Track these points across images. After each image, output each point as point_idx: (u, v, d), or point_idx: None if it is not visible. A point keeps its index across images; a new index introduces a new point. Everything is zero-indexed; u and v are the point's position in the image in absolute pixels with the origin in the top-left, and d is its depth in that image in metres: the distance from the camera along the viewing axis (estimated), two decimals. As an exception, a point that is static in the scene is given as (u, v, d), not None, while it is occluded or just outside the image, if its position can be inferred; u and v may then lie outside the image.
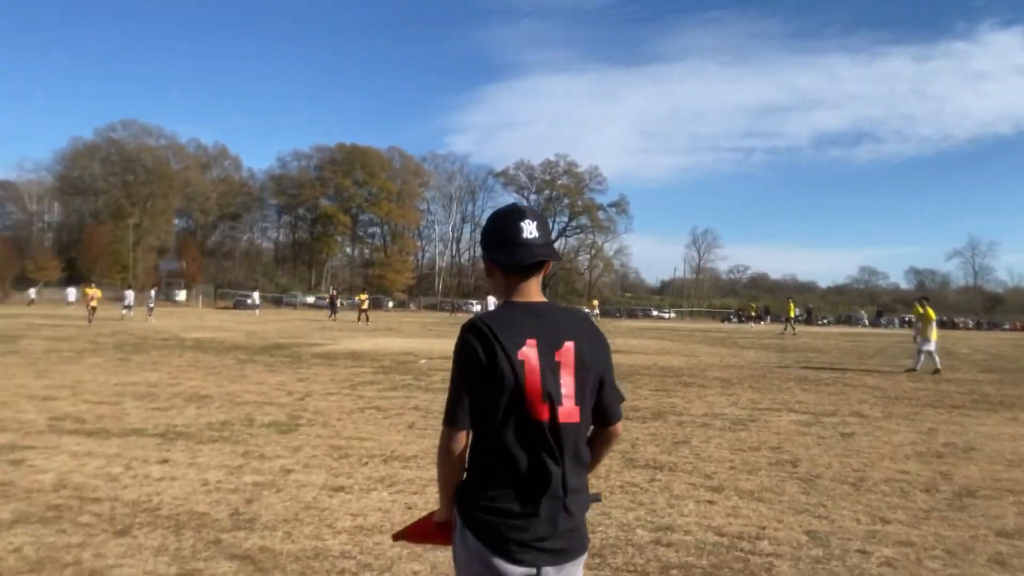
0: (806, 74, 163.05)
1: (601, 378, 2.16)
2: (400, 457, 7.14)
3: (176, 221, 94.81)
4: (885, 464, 7.27)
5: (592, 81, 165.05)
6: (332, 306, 45.17)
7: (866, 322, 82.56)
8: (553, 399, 2.02)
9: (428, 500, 5.68)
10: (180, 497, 5.61)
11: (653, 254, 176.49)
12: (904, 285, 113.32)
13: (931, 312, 17.23)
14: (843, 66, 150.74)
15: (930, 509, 5.68)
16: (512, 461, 2.03)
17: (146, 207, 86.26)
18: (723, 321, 79.29)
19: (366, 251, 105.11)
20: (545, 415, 2.02)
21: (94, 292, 33.27)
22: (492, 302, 47.05)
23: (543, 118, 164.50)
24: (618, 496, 5.92)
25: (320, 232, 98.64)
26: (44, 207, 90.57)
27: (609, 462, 6.99)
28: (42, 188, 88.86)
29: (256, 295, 61.57)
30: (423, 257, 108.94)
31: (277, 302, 79.48)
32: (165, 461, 6.76)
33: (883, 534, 5.04)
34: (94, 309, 32.21)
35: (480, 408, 2.06)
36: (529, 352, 2.02)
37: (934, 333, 17.19)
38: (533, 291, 2.16)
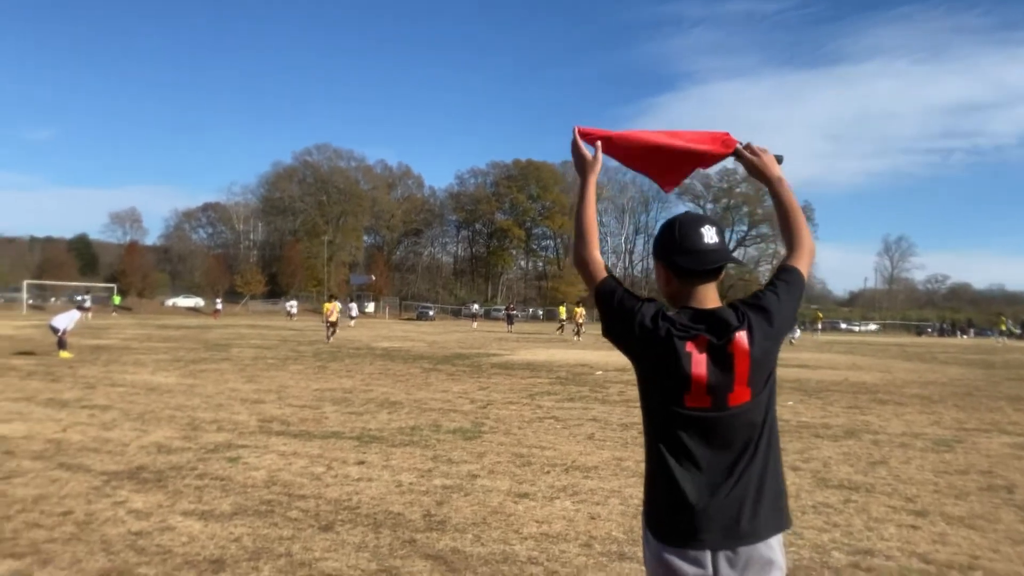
0: (1014, 67, 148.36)
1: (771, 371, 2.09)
2: (581, 467, 7.15)
3: (365, 237, 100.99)
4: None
5: (770, 86, 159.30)
6: (509, 318, 46.20)
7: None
8: (719, 388, 1.99)
9: (611, 511, 5.66)
10: (377, 497, 5.92)
11: (840, 264, 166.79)
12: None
13: None
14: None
15: None
16: (678, 451, 2.02)
17: (338, 225, 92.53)
18: (919, 334, 73.32)
19: (539, 264, 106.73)
20: (710, 403, 2.00)
21: (332, 306, 29.46)
22: None
23: (717, 126, 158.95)
24: (811, 516, 5.61)
25: (496, 246, 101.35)
26: (250, 226, 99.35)
27: (800, 481, 6.66)
28: (248, 209, 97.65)
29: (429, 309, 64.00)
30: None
31: (456, 313, 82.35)
32: (362, 463, 7.17)
33: None
34: (333, 324, 28.77)
35: (650, 393, 2.09)
36: (697, 342, 1.99)
37: None
38: (711, 297, 2.12)
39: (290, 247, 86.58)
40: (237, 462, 7.08)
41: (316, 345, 25.54)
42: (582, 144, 2.38)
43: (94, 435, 8.23)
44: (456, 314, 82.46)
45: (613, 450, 8.05)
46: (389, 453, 7.63)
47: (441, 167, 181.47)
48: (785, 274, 2.18)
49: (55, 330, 18.11)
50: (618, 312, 2.13)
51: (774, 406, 2.08)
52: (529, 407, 11.18)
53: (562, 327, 38.26)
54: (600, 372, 17.43)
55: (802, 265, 2.22)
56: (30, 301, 60.84)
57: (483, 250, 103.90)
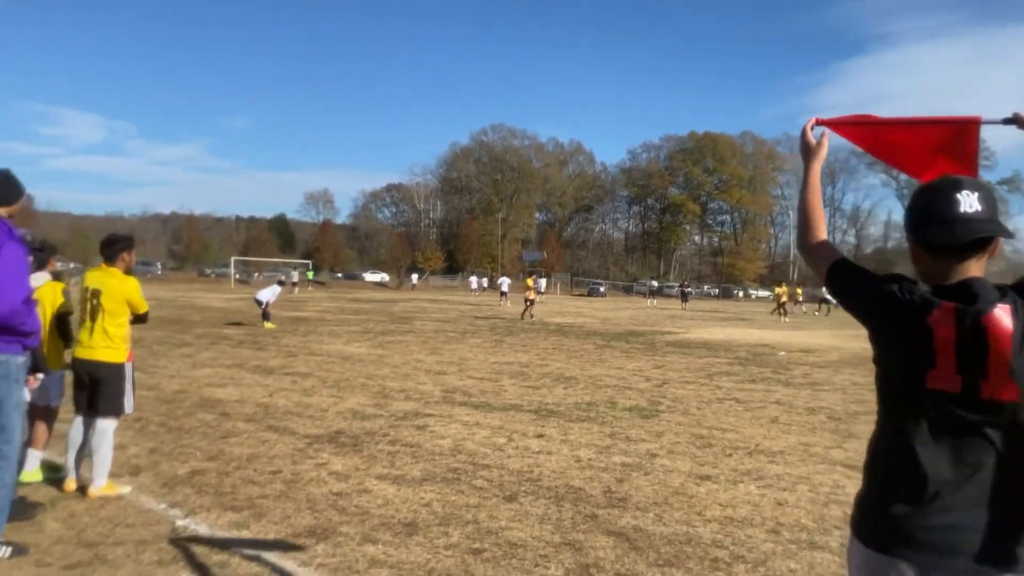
0: None
1: None
2: (765, 451, 6.91)
3: (537, 215, 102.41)
4: None
5: (971, 45, 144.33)
6: (683, 295, 45.32)
7: None
8: (970, 371, 1.71)
9: (800, 497, 5.43)
10: (557, 471, 6.01)
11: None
12: None
13: None
14: None
15: None
16: (913, 441, 1.78)
17: (511, 203, 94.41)
18: None
19: (715, 239, 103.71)
20: (960, 388, 1.72)
21: (533, 284, 29.50)
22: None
23: (914, 89, 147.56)
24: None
25: (668, 221, 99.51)
26: (430, 205, 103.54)
27: None
28: (428, 189, 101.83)
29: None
30: (776, 245, 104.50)
31: (627, 290, 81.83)
32: (541, 436, 7.31)
33: None
34: (532, 302, 28.21)
35: (888, 370, 1.87)
36: (942, 311, 1.73)
37: None
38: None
39: (466, 225, 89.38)
40: (424, 430, 7.43)
41: (492, 320, 26.24)
42: (809, 131, 2.32)
43: (296, 400, 8.91)
44: (627, 291, 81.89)
45: (799, 435, 7.72)
46: (567, 428, 7.73)
47: (613, 143, 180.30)
48: None
49: (259, 303, 19.74)
50: (855, 281, 1.96)
51: None
52: (707, 387, 10.93)
53: (782, 309, 35.99)
54: (783, 353, 16.73)
55: None
56: (237, 276, 66.59)
57: (655, 226, 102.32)
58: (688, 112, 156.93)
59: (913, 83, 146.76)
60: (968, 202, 1.80)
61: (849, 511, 5.07)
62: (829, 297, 40.73)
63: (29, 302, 3.99)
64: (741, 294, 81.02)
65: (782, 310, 34.91)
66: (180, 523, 4.59)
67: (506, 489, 5.48)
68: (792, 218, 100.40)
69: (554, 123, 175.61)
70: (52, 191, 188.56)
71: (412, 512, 4.91)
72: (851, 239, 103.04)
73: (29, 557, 4.01)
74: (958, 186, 1.84)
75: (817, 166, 2.27)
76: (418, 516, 4.83)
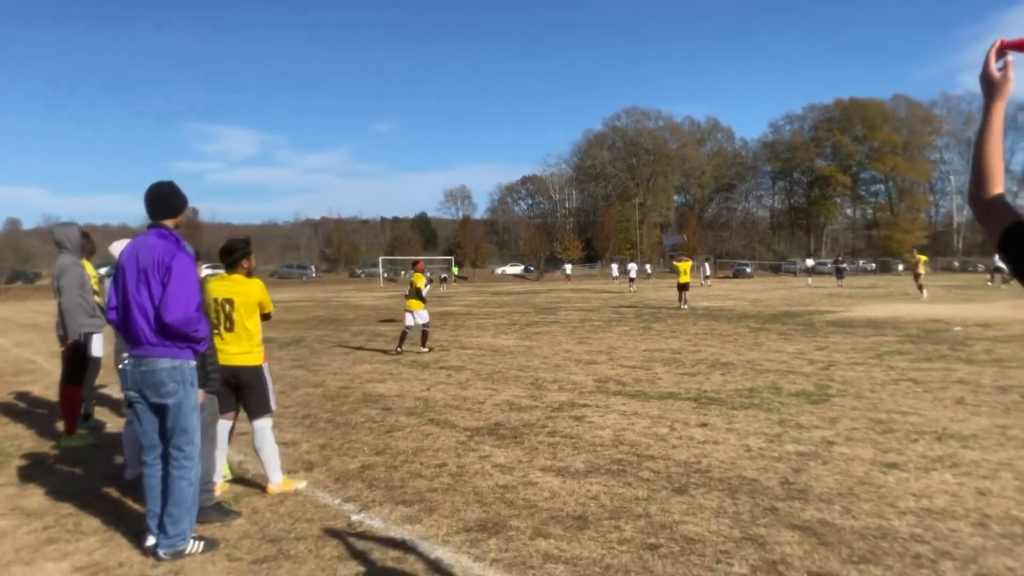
0: None
1: None
2: (956, 435, 6.33)
3: (675, 197, 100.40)
4: None
5: None
6: (838, 272, 42.96)
7: None
8: None
9: (1004, 486, 4.92)
10: (726, 461, 5.74)
11: None
12: None
13: None
14: None
15: None
16: None
17: (648, 186, 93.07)
18: None
19: (868, 211, 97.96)
20: None
21: (686, 266, 25.41)
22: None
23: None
24: None
25: (817, 195, 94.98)
26: (565, 195, 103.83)
27: None
28: (562, 179, 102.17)
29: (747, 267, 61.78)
30: (937, 214, 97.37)
31: (775, 269, 78.71)
32: (704, 425, 7.03)
33: None
34: (685, 287, 24.70)
35: None
36: None
37: None
38: None
39: (603, 212, 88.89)
40: (582, 421, 7.32)
41: (637, 308, 25.82)
42: (992, 60, 1.90)
43: (453, 393, 9.04)
44: (776, 270, 78.79)
45: (992, 416, 7.04)
46: (731, 416, 7.40)
47: (752, 117, 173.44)
48: None
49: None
50: None
51: None
52: (879, 368, 10.21)
53: (994, 277, 34.19)
54: (959, 328, 15.44)
55: None
56: (385, 275, 69.21)
57: (802, 200, 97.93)
58: (832, 78, 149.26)
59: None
60: None
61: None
62: (1003, 265, 37.35)
63: (200, 310, 4.18)
64: (901, 267, 75.98)
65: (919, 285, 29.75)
66: (355, 518, 4.69)
67: (674, 481, 5.27)
68: (953, 183, 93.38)
69: (689, 101, 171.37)
70: (215, 204, 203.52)
71: (580, 505, 4.80)
72: (1021, 202, 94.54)
73: (220, 551, 4.20)
74: None
75: (999, 105, 1.87)
76: (587, 509, 4.72)
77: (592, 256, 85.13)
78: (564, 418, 7.46)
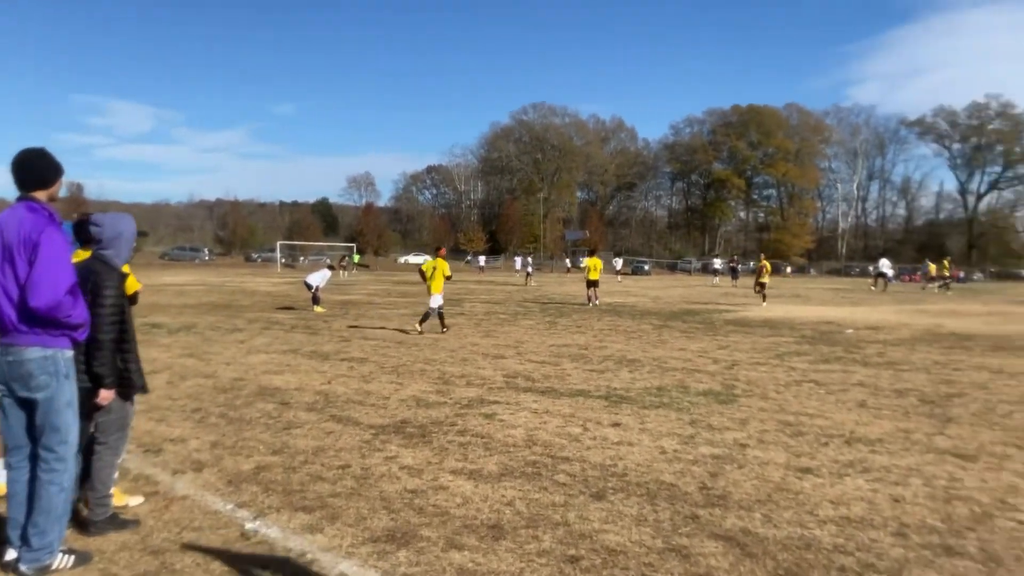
0: None
1: None
2: (863, 439, 6.40)
3: (578, 193, 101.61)
4: None
5: (1020, 8, 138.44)
6: (733, 272, 44.30)
7: None
8: None
9: (916, 493, 4.94)
10: (642, 464, 5.58)
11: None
12: None
13: None
14: None
15: None
16: None
17: (553, 182, 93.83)
18: None
19: (760, 215, 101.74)
20: None
21: (595, 263, 23.97)
22: (885, 264, 41.84)
23: (964, 57, 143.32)
24: None
25: (713, 197, 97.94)
26: (470, 186, 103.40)
27: None
28: (468, 170, 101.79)
29: (618, 262, 63.05)
30: (823, 219, 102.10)
31: (671, 268, 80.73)
32: (617, 424, 6.88)
33: None
34: (594, 284, 23.32)
35: None
36: None
37: None
38: None
39: (508, 205, 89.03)
40: (493, 419, 7.05)
41: (541, 303, 25.81)
42: None
43: (356, 387, 8.60)
44: (672, 268, 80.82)
45: (894, 420, 7.18)
46: (643, 415, 7.29)
47: (655, 118, 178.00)
48: None
49: (309, 287, 19.57)
50: None
51: None
52: (781, 369, 10.38)
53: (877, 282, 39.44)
54: (851, 331, 16.02)
55: None
56: (283, 260, 67.06)
57: (699, 202, 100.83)
58: (732, 85, 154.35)
59: (960, 50, 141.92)
60: None
61: (973, 508, 4.55)
62: (886, 271, 39.94)
63: (75, 292, 3.66)
64: (789, 270, 79.32)
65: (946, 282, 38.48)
66: (249, 526, 4.26)
67: (592, 485, 5.07)
68: (840, 190, 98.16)
69: (595, 100, 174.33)
70: (103, 180, 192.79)
71: (495, 512, 4.52)
72: (901, 211, 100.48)
73: (93, 566, 3.72)
74: None
75: None
76: (502, 517, 4.45)
77: (496, 248, 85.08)
78: (474, 416, 7.17)
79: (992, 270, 77.11)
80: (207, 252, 74.66)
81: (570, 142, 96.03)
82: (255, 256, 75.42)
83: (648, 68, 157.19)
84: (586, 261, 25.27)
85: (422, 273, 14.63)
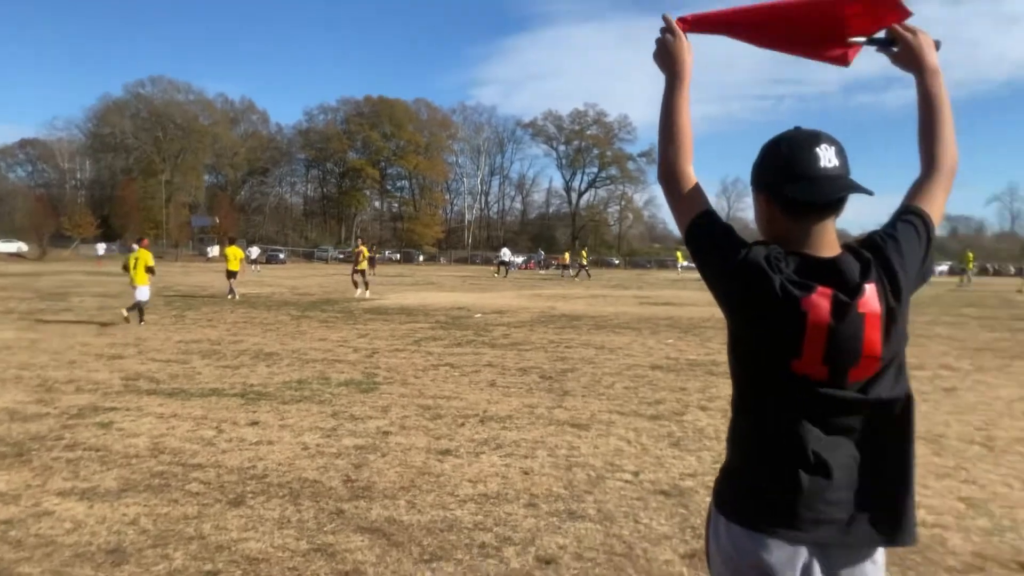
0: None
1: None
2: (495, 417, 6.84)
3: (206, 177, 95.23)
4: (1006, 422, 6.86)
5: (619, 29, 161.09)
6: (371, 261, 44.69)
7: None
8: (840, 357, 1.59)
9: (543, 464, 5.39)
10: (284, 463, 5.35)
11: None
12: (938, 232, 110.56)
13: None
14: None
15: (1086, 474, 5.29)
16: (780, 424, 1.64)
17: (176, 163, 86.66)
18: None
19: (394, 205, 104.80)
20: (827, 375, 1.60)
21: (236, 253, 22.78)
22: (506, 253, 46.83)
23: (570, 68, 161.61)
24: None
25: (348, 186, 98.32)
26: (76, 164, 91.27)
27: (716, 423, 6.65)
28: (73, 146, 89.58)
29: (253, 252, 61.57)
30: (452, 211, 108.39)
31: (308, 256, 79.70)
32: (255, 423, 6.52)
33: (1050, 502, 4.66)
34: (234, 274, 22.19)
35: (749, 352, 1.68)
36: (818, 298, 1.58)
37: None
38: (828, 240, 1.67)
39: (123, 187, 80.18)
40: (110, 428, 6.25)
41: (164, 296, 23.74)
42: (668, 35, 1.87)
43: (-76, 404, 7.07)
44: (308, 257, 79.78)
45: (520, 397, 7.80)
46: (283, 411, 7.01)
47: (288, 103, 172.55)
48: (911, 216, 1.76)
49: None
50: (720, 241, 1.71)
51: (907, 387, 1.68)
52: (419, 354, 10.73)
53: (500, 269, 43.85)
54: (479, 315, 17.16)
55: (938, 195, 1.81)
56: None
57: (334, 190, 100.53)
58: (365, 75, 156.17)
59: (569, 60, 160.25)
60: (827, 156, 1.66)
61: (589, 473, 5.09)
62: (507, 260, 43.66)
63: None
64: (421, 258, 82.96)
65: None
66: None
67: (229, 491, 4.72)
68: (466, 184, 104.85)
69: (223, 79, 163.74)
70: None
71: (115, 534, 3.99)
72: (518, 205, 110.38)
73: None
74: (817, 139, 1.69)
75: (685, 81, 1.86)
76: (124, 538, 3.94)
77: (110, 234, 76.24)
78: (86, 426, 6.29)
79: (591, 258, 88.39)
80: None
81: (196, 121, 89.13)
82: None
83: (279, 51, 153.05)
84: (226, 250, 23.76)
85: (125, 267, 14.97)
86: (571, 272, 48.10)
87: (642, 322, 16.20)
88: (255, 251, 50.97)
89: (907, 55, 1.87)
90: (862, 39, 1.91)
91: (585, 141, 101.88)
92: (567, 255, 53.61)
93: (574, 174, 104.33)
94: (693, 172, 1.83)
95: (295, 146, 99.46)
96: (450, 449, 5.75)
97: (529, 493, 4.75)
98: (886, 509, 1.64)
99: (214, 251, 70.25)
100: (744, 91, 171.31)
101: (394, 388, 8.17)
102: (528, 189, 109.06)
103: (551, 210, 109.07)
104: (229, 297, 21.23)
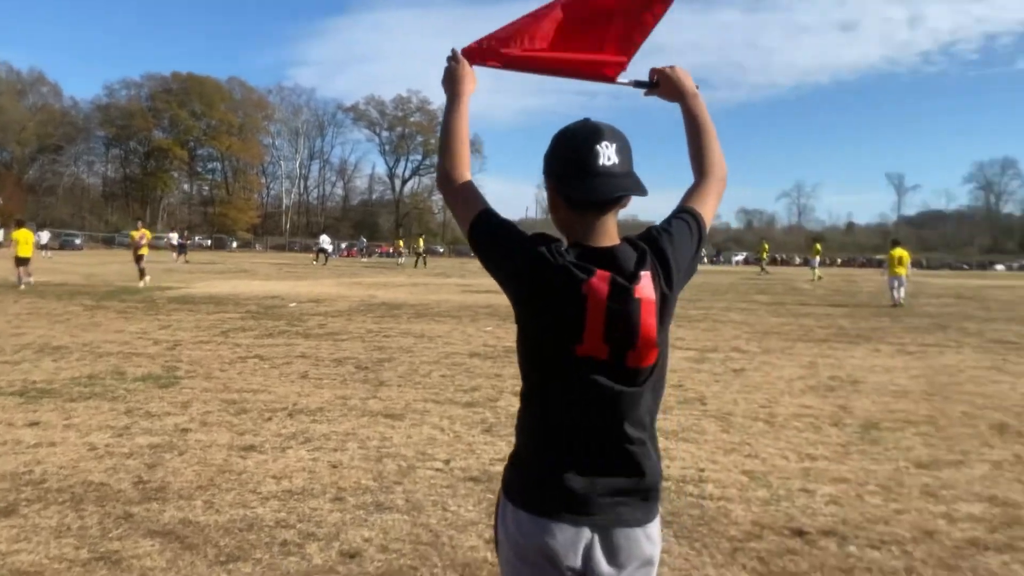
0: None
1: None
2: (305, 410, 6.65)
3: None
4: (786, 400, 7.54)
5: (441, 18, 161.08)
6: (181, 247, 42.12)
7: (705, 260, 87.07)
8: (618, 342, 1.67)
9: (352, 456, 5.30)
10: (67, 466, 4.92)
11: (506, 194, 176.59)
12: (735, 224, 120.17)
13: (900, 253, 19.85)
14: (683, 15, 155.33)
15: (846, 443, 5.91)
16: (562, 408, 1.72)
17: (-51, 136, 77.32)
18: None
19: (205, 188, 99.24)
20: (607, 355, 1.67)
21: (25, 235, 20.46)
22: (325, 240, 46.47)
23: (393, 53, 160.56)
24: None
25: (154, 167, 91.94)
26: None
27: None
28: None
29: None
30: (268, 195, 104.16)
31: (108, 242, 73.86)
32: (35, 424, 5.96)
33: (816, 471, 5.17)
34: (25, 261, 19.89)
35: (533, 337, 1.74)
36: (596, 282, 1.65)
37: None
38: (609, 232, 1.75)
39: None
40: None
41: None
42: (455, 63, 2.09)
43: None
44: (108, 242, 73.91)
45: (333, 388, 7.63)
46: (68, 410, 6.45)
47: (85, 76, 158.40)
48: (685, 215, 1.88)
49: None
50: (501, 238, 1.78)
51: (666, 371, 1.81)
52: (226, 346, 10.23)
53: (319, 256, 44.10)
54: (294, 304, 16.61)
55: (710, 198, 1.96)
56: None
57: (138, 171, 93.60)
58: (172, 50, 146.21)
59: (391, 46, 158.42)
60: (607, 154, 1.73)
61: (400, 463, 5.08)
62: (326, 247, 42.69)
63: None
64: (235, 244, 79.21)
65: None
66: None
67: (0, 500, 4.28)
68: (284, 168, 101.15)
69: (7, 46, 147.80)
70: None
71: None
72: (340, 191, 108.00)
73: None
74: (598, 136, 1.75)
75: (464, 100, 2.03)
76: None
77: None
78: None
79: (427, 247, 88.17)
80: None
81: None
82: None
83: (74, 17, 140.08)
84: (13, 234, 21.10)
85: None
86: (402, 260, 48.60)
87: (463, 310, 16.36)
88: (45, 235, 46.61)
89: (669, 87, 2.09)
90: (628, 81, 2.15)
91: (409, 128, 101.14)
92: (400, 242, 54.02)
93: (397, 160, 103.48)
94: (470, 177, 1.92)
95: (93, 123, 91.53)
96: (254, 445, 5.53)
97: (336, 487, 4.65)
98: (653, 488, 1.76)
99: (-3, 235, 63.48)
100: (562, 85, 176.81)
101: (196, 382, 7.74)
102: (350, 175, 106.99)
103: (374, 197, 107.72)
104: (21, 288, 19.10)
